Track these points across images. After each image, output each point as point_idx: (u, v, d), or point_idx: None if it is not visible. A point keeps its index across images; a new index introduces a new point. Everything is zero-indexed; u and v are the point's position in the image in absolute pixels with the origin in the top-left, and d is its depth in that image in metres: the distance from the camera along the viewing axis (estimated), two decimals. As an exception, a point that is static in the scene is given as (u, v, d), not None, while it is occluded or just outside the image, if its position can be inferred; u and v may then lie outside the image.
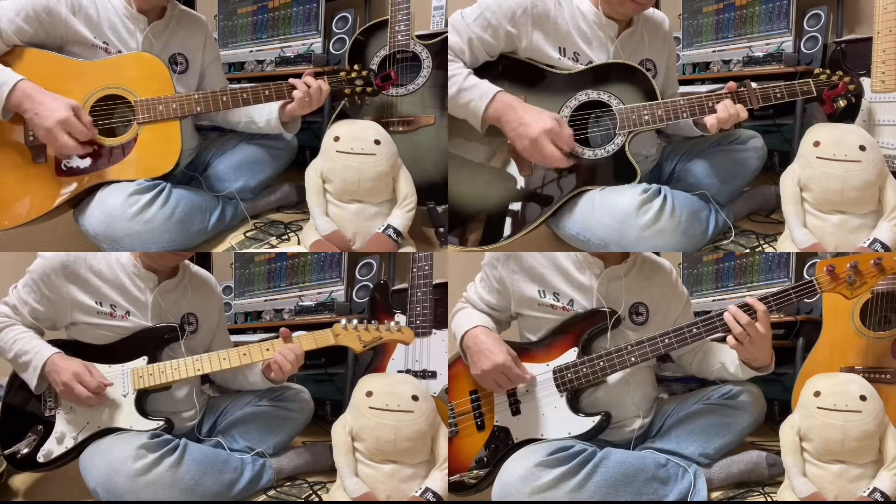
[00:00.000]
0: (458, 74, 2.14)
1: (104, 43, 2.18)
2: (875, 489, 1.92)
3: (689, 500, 1.99)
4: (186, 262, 2.24)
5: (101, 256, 2.12)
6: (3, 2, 2.13)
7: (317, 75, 2.25)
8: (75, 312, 2.10)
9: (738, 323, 1.92)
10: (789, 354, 2.44)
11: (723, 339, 1.99)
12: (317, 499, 2.15)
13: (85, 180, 2.15)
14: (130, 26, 2.20)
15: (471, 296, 2.19)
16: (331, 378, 2.63)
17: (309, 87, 2.20)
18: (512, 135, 2.13)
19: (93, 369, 2.03)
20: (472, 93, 2.12)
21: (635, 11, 2.16)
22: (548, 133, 2.08)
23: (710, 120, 2.09)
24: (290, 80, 2.22)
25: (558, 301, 2.09)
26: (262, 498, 2.16)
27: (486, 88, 2.12)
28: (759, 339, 1.93)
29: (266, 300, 2.78)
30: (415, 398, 2.09)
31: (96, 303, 2.10)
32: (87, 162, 2.15)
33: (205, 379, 2.31)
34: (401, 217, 2.24)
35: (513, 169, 2.21)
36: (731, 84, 2.12)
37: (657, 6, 2.76)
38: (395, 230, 2.22)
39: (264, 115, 2.30)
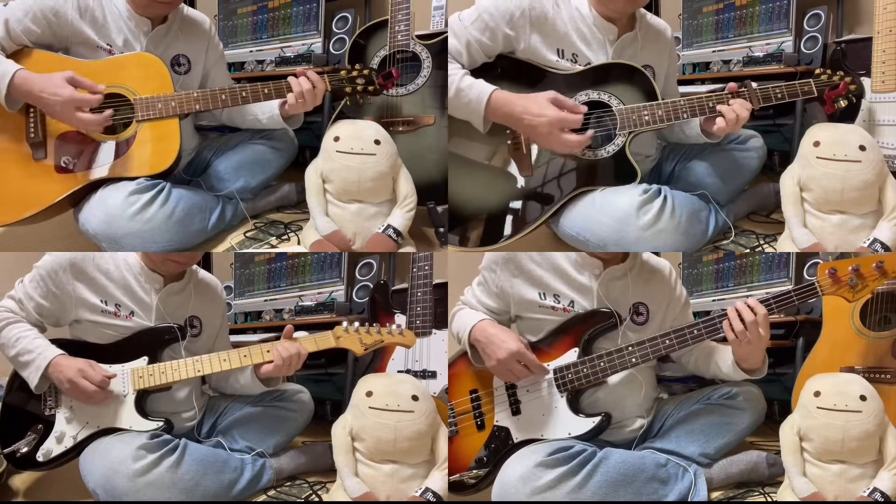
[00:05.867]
0: (455, 75, 2.14)
1: (108, 45, 2.19)
2: (875, 489, 1.92)
3: (689, 500, 2.00)
4: (194, 265, 2.23)
5: (109, 256, 2.12)
6: (11, 2, 2.14)
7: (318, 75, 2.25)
8: (80, 310, 2.10)
9: (741, 321, 1.92)
10: (789, 354, 2.44)
11: (724, 340, 1.99)
12: (317, 499, 2.15)
13: (85, 177, 2.15)
14: (134, 28, 2.21)
15: (469, 300, 2.19)
16: (331, 378, 2.63)
17: (303, 87, 2.19)
18: (525, 135, 2.14)
19: (95, 365, 2.03)
20: (470, 93, 2.12)
21: (626, 9, 2.14)
22: (559, 122, 2.08)
23: (719, 122, 2.07)
24: (288, 79, 2.21)
25: (559, 303, 2.09)
26: (262, 498, 2.16)
27: (482, 89, 2.12)
28: (757, 341, 1.94)
29: (266, 300, 2.78)
30: (415, 398, 2.09)
31: (101, 301, 2.10)
32: (86, 160, 2.15)
33: (205, 380, 2.31)
34: (401, 217, 2.24)
35: (513, 169, 2.21)
36: (732, 85, 2.11)
37: (656, 8, 2.76)
38: (395, 230, 2.22)
39: (267, 111, 2.31)
